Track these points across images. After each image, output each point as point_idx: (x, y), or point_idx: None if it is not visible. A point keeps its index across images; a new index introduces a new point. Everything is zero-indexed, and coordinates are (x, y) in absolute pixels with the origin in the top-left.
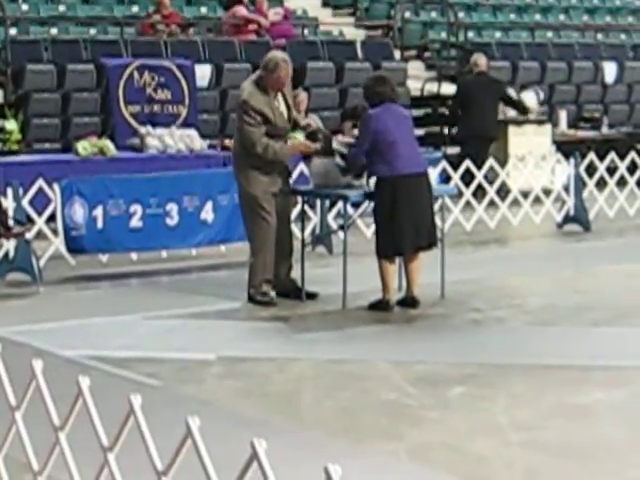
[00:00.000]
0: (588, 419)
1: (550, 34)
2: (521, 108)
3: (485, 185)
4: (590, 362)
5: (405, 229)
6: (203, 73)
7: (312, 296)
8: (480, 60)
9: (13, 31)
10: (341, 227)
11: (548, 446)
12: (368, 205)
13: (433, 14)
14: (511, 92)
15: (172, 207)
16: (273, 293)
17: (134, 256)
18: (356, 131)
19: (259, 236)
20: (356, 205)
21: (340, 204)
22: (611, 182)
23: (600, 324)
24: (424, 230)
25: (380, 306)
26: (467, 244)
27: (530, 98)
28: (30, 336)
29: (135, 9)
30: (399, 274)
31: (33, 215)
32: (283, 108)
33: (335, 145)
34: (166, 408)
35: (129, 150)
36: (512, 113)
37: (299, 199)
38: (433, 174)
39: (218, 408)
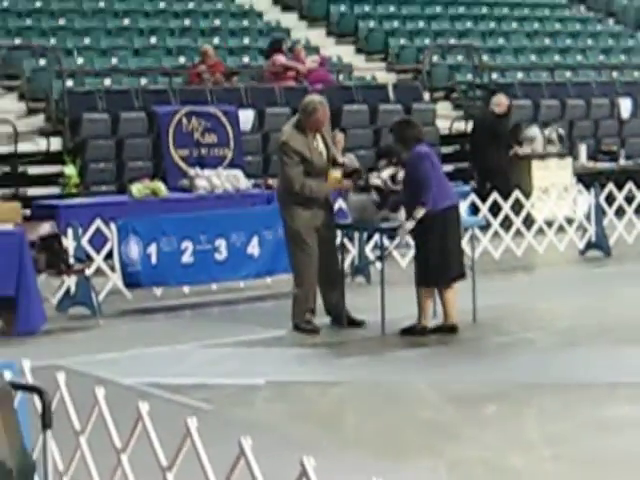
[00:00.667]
0: (617, 433)
1: (569, 74)
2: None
3: (512, 216)
4: (616, 379)
5: (452, 259)
6: (246, 118)
7: (359, 324)
8: (495, 99)
9: (70, 83)
10: (378, 258)
11: (579, 460)
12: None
13: (459, 57)
14: (528, 130)
15: (221, 243)
16: (316, 321)
17: (186, 289)
18: (390, 169)
19: (302, 268)
20: (391, 237)
21: (377, 236)
22: (629, 210)
23: (623, 343)
24: (461, 259)
25: (418, 331)
26: (496, 272)
27: (539, 136)
28: (92, 366)
29: (182, 60)
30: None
31: (92, 253)
32: (322, 148)
33: (373, 181)
34: (219, 430)
35: (179, 191)
36: (538, 147)
37: (338, 232)
38: (463, 206)
39: (268, 429)
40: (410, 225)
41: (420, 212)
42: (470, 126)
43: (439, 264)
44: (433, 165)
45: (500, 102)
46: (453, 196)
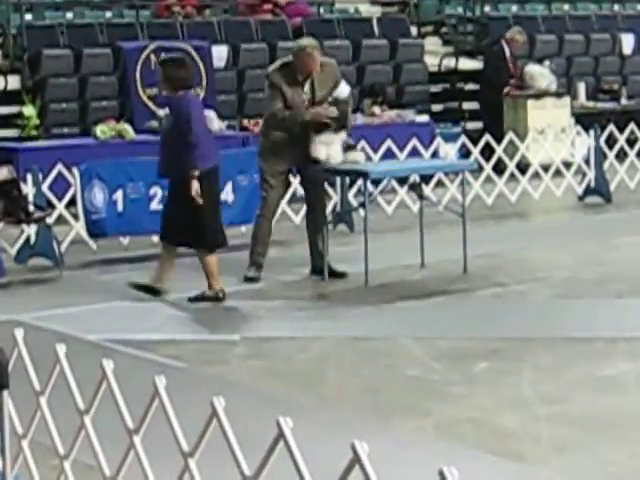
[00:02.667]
0: (614, 391)
1: (567, 6)
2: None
3: (505, 159)
4: (615, 334)
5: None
6: (220, 54)
7: (341, 275)
8: (508, 34)
9: (28, 16)
10: (362, 205)
11: (575, 418)
12: (389, 182)
13: None
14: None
15: None
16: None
17: (155, 238)
18: (376, 108)
19: (260, 207)
20: (376, 182)
21: (360, 182)
22: (631, 153)
23: (624, 296)
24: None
25: (211, 297)
26: (488, 219)
27: (547, 74)
28: (53, 321)
29: None
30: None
31: (53, 200)
32: (307, 94)
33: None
34: (191, 389)
35: (148, 133)
36: (540, 84)
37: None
38: (453, 149)
39: (243, 388)
40: (195, 188)
41: (195, 173)
42: (461, 63)
43: (214, 225)
44: (201, 117)
45: (513, 38)
46: (217, 155)
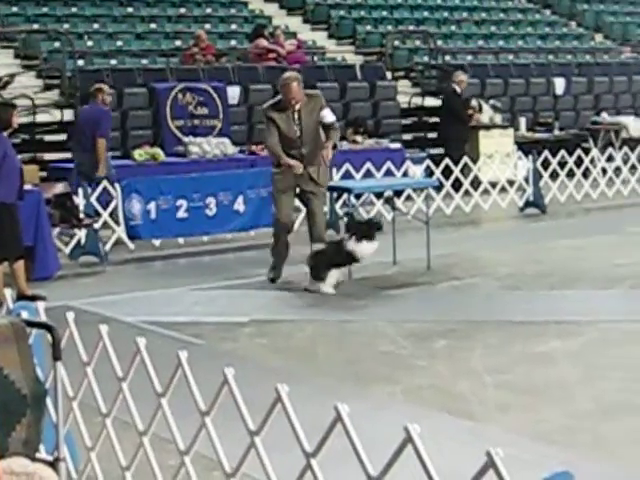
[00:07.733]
0: (547, 364)
1: (511, 56)
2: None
3: (461, 178)
4: (548, 318)
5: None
6: (233, 93)
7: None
8: (457, 78)
9: (81, 62)
10: (346, 214)
11: (515, 386)
12: (368, 196)
13: (417, 42)
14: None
15: (211, 201)
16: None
17: (181, 241)
18: (358, 137)
19: (275, 218)
20: (357, 196)
21: (345, 196)
22: (562, 174)
23: (556, 287)
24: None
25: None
26: (447, 226)
27: (486, 110)
28: (98, 306)
29: (178, 43)
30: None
31: (99, 209)
32: (296, 123)
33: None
34: (208, 362)
35: (175, 156)
36: (485, 119)
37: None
38: (419, 170)
39: (250, 361)
40: None
41: None
42: (427, 101)
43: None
44: (11, 155)
45: (459, 79)
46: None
